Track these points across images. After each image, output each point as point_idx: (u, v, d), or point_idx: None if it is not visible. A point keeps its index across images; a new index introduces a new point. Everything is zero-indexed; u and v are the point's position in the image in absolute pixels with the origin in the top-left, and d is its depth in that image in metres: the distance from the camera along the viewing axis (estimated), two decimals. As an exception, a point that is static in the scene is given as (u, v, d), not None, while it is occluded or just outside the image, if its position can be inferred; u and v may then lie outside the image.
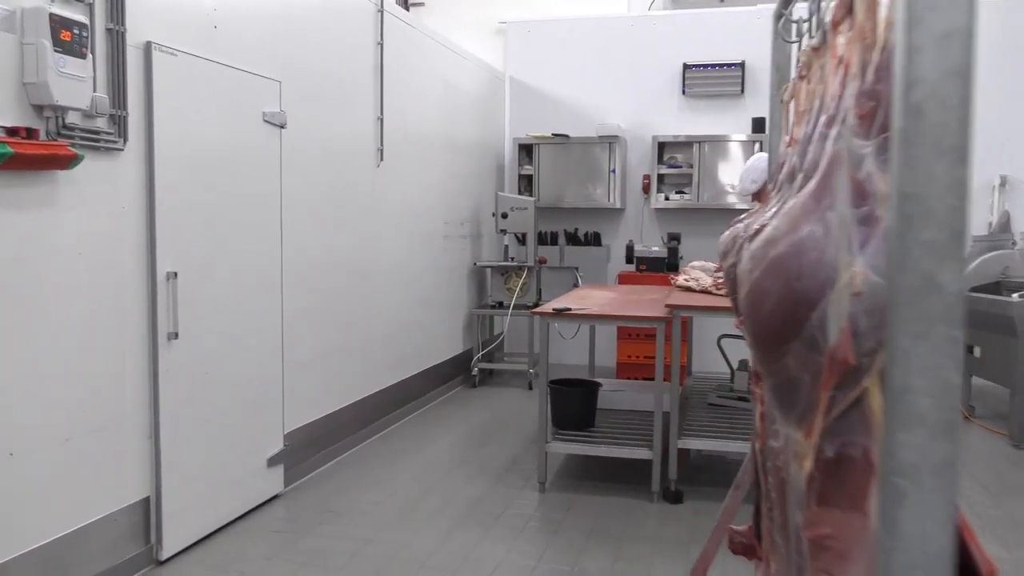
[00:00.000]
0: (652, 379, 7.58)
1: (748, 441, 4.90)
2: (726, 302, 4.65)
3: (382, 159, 5.77)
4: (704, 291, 5.11)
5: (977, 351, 6.23)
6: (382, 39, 5.71)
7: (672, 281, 5.66)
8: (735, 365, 5.49)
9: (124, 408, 3.46)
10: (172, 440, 3.65)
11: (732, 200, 7.87)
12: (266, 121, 4.32)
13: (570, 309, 4.60)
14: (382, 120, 5.74)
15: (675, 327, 4.46)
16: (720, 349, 5.44)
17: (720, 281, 5.08)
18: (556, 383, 4.96)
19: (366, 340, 5.65)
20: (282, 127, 4.44)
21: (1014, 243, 6.70)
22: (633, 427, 4.97)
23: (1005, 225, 7.64)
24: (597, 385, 5.08)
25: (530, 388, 7.39)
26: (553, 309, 4.56)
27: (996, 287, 6.48)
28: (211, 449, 3.93)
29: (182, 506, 3.73)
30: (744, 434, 4.74)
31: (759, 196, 4.80)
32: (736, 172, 7.81)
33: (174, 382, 3.65)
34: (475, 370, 7.48)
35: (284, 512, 4.34)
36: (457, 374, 7.45)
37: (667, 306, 4.50)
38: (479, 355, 7.51)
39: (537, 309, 4.62)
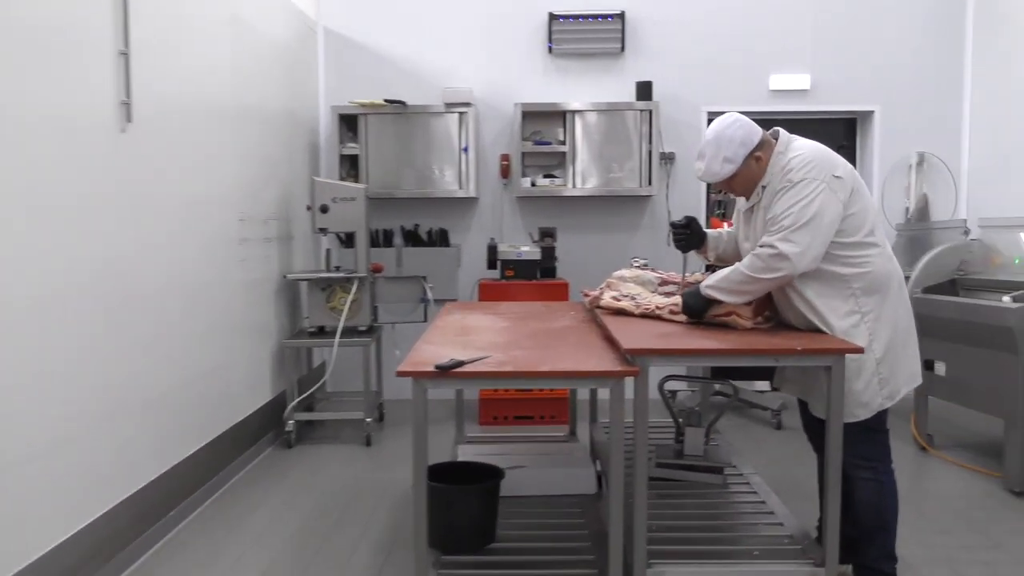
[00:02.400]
0: (528, 418, 5.88)
1: (747, 561, 2.84)
2: (717, 341, 2.91)
3: (130, 120, 3.59)
4: (649, 315, 3.36)
5: (941, 368, 4.95)
6: (121, -75, 3.52)
7: (587, 298, 3.87)
8: (681, 418, 3.80)
9: None
10: None
11: (616, 185, 6.25)
12: None
13: (462, 363, 2.70)
14: (127, 57, 3.55)
15: (643, 382, 2.68)
16: (663, 396, 3.75)
17: (676, 304, 3.33)
18: (437, 474, 3.04)
19: (119, 410, 3.46)
20: None
21: (967, 232, 5.51)
22: (556, 535, 3.16)
23: (924, 211, 6.53)
24: (499, 475, 3.20)
25: (368, 444, 5.40)
26: (436, 367, 2.64)
27: (951, 286, 5.26)
28: None
29: None
30: (730, 541, 3.05)
31: (731, 183, 3.11)
32: (621, 149, 6.19)
33: None
34: (290, 424, 5.39)
35: None
36: (265, 432, 5.31)
37: (630, 351, 2.70)
38: (294, 402, 5.41)
39: (407, 367, 2.67)
